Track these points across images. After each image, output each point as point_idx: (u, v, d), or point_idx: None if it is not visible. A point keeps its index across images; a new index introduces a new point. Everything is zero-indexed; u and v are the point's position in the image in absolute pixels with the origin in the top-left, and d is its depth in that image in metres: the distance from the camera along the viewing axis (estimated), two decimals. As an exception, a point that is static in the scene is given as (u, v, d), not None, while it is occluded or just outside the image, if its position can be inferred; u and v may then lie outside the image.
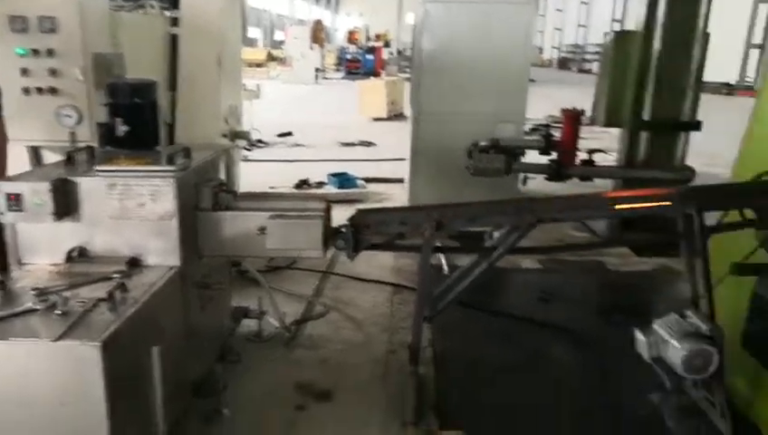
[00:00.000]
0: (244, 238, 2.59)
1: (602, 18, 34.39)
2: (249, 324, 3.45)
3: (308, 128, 11.73)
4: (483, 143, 5.22)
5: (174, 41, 3.74)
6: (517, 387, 3.07)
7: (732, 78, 23.30)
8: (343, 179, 6.68)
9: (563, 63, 40.55)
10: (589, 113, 5.56)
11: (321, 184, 6.81)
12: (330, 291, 4.17)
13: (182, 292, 2.44)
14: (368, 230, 2.59)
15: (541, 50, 47.80)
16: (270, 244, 2.54)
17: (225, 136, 4.26)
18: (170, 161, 2.43)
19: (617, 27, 29.89)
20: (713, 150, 7.34)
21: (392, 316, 3.82)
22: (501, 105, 5.44)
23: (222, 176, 3.29)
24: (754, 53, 23.50)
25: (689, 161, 5.25)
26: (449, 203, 2.70)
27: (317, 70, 24.53)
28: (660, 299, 4.30)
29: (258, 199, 2.75)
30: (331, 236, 2.63)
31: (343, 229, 2.62)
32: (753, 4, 23.71)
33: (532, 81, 6.66)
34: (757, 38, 23.54)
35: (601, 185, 5.81)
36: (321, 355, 3.32)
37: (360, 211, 2.65)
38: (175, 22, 3.76)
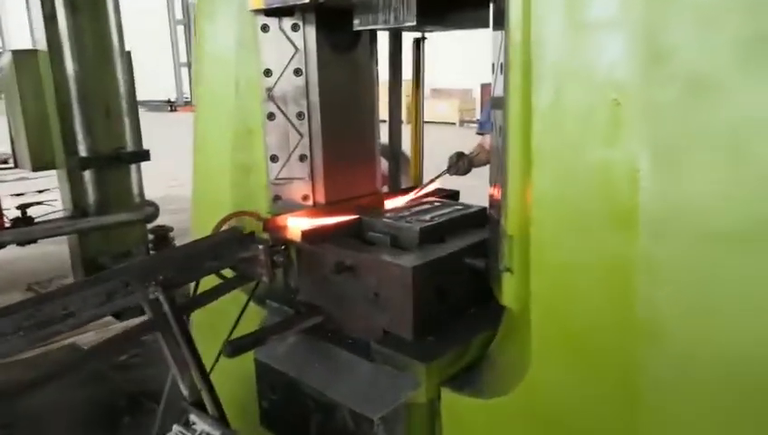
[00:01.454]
0: None
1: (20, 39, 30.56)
2: None
3: None
4: None
5: None
6: None
7: (172, 95, 24.47)
8: None
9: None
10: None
11: None
12: None
13: None
14: None
15: None
16: None
17: None
18: None
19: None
20: (174, 169, 7.03)
21: None
22: None
23: None
24: (186, 71, 25.25)
25: (154, 185, 4.64)
26: None
27: None
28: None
29: None
30: None
31: None
32: (172, 25, 25.34)
33: None
34: (183, 57, 25.32)
35: (59, 241, 4.67)
36: None
37: None
38: None
